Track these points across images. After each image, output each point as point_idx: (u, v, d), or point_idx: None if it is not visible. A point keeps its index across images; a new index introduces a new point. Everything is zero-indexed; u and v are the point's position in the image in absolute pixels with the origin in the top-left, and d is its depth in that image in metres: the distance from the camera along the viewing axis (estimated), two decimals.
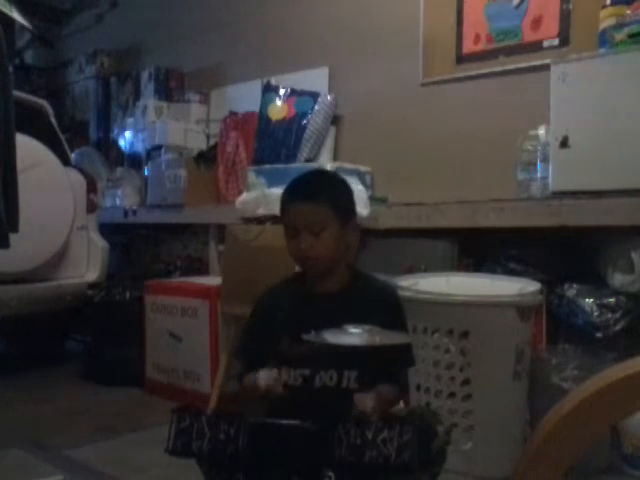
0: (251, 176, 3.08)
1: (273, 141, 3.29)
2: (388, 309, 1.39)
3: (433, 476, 1.28)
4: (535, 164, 2.36)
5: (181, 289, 2.92)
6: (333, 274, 1.38)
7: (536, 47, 2.65)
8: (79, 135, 4.87)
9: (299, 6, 3.56)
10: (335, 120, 3.30)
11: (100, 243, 3.50)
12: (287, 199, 1.36)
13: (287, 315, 1.35)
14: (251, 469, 1.17)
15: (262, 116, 3.38)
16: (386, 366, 1.32)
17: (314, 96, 3.25)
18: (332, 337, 1.19)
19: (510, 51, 2.73)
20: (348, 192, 1.42)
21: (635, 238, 2.10)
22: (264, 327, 1.37)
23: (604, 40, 2.21)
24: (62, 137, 3.59)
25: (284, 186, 1.40)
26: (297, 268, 1.46)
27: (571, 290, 2.21)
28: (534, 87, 2.51)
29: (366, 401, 1.20)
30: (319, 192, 1.34)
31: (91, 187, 3.52)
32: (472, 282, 2.18)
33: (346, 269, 1.41)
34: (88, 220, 3.46)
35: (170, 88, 4.23)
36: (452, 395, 1.97)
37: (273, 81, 3.47)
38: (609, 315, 2.11)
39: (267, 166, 3.11)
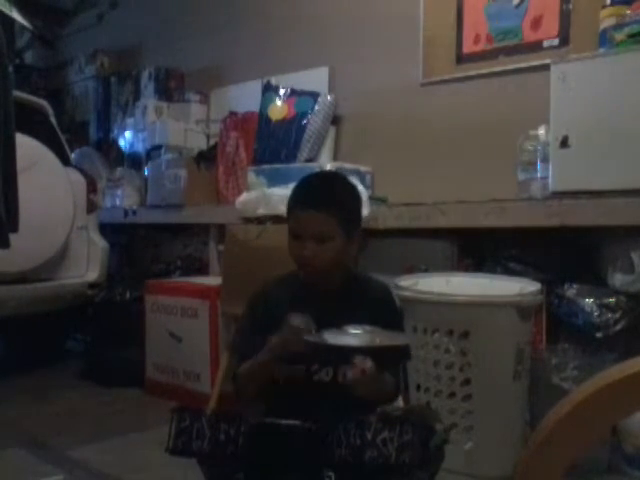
0: (251, 176, 3.08)
1: (273, 141, 3.29)
2: (385, 308, 1.40)
3: (431, 474, 1.28)
4: (535, 164, 2.36)
5: (181, 289, 2.92)
6: (330, 275, 1.38)
7: (536, 47, 2.65)
8: (79, 135, 4.87)
9: (299, 6, 3.56)
10: (335, 120, 3.30)
11: (100, 243, 3.49)
12: (296, 204, 1.34)
13: (285, 312, 1.35)
14: (251, 469, 1.17)
15: (262, 116, 3.38)
16: (385, 364, 1.32)
17: (314, 96, 3.24)
18: (332, 338, 1.19)
19: (510, 51, 2.73)
20: (358, 202, 1.41)
21: (635, 238, 2.10)
22: (261, 324, 1.37)
23: (604, 40, 2.21)
24: (62, 137, 3.59)
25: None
26: None
27: (571, 290, 2.20)
28: (534, 87, 2.51)
29: (366, 361, 1.17)
30: (330, 202, 1.32)
31: (91, 187, 3.52)
32: (472, 282, 2.19)
33: (343, 270, 1.41)
34: (88, 220, 3.45)
35: (170, 88, 4.23)
36: (452, 395, 1.97)
37: (273, 81, 3.47)
38: (609, 315, 2.11)
39: (267, 166, 3.11)
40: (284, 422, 1.14)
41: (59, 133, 3.58)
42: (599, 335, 2.10)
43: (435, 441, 1.26)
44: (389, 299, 1.46)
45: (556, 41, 2.60)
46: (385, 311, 1.39)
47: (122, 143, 4.38)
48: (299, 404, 1.23)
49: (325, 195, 1.35)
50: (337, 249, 1.32)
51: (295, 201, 1.36)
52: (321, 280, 1.37)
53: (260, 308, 1.41)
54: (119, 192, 4.03)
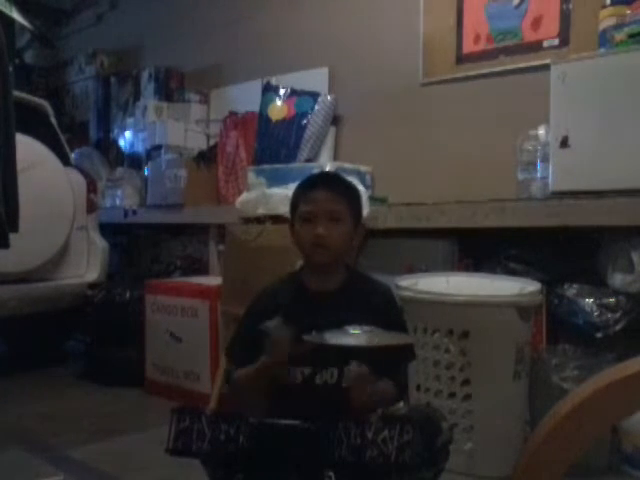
0: (251, 176, 3.08)
1: (273, 141, 3.29)
2: (385, 308, 1.40)
3: (436, 473, 1.28)
4: (535, 164, 2.36)
5: (181, 289, 2.92)
6: (331, 273, 1.38)
7: (536, 47, 2.65)
8: (79, 135, 4.87)
9: (299, 6, 3.56)
10: (335, 120, 3.30)
11: (100, 243, 3.49)
12: (310, 185, 1.40)
13: (285, 314, 1.35)
14: (251, 469, 1.17)
15: (262, 116, 3.38)
16: (386, 364, 1.32)
17: (314, 96, 3.24)
18: (333, 338, 1.19)
19: (510, 51, 2.73)
20: (360, 197, 1.49)
21: (635, 238, 2.10)
22: (258, 325, 1.37)
23: (604, 40, 2.20)
24: (62, 137, 3.59)
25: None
26: (299, 266, 1.46)
27: (571, 290, 2.20)
28: (534, 87, 2.50)
29: (361, 367, 1.21)
30: (339, 184, 1.41)
31: (91, 187, 3.52)
32: (472, 282, 2.18)
33: (344, 269, 1.42)
34: (88, 220, 3.46)
35: (170, 88, 4.23)
36: (452, 395, 1.97)
37: (273, 81, 3.47)
38: (609, 315, 2.11)
39: (267, 166, 3.11)
40: (284, 422, 1.14)
41: (59, 133, 3.58)
42: (599, 335, 2.10)
43: (441, 440, 1.26)
44: (390, 300, 1.46)
45: (556, 41, 2.60)
46: (387, 312, 1.39)
47: (122, 143, 4.38)
48: (300, 405, 1.23)
49: (334, 178, 1.47)
50: (347, 233, 1.36)
51: (304, 187, 1.41)
52: (325, 270, 1.38)
53: (259, 309, 1.41)
54: (119, 192, 4.03)
